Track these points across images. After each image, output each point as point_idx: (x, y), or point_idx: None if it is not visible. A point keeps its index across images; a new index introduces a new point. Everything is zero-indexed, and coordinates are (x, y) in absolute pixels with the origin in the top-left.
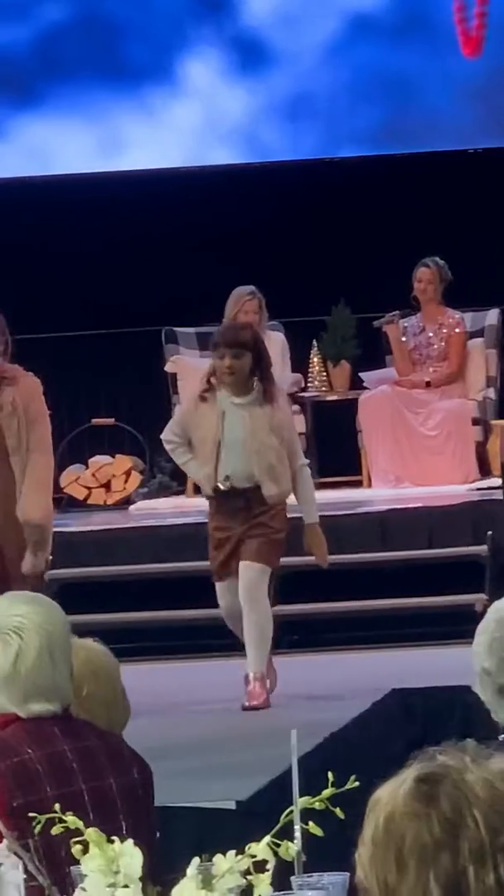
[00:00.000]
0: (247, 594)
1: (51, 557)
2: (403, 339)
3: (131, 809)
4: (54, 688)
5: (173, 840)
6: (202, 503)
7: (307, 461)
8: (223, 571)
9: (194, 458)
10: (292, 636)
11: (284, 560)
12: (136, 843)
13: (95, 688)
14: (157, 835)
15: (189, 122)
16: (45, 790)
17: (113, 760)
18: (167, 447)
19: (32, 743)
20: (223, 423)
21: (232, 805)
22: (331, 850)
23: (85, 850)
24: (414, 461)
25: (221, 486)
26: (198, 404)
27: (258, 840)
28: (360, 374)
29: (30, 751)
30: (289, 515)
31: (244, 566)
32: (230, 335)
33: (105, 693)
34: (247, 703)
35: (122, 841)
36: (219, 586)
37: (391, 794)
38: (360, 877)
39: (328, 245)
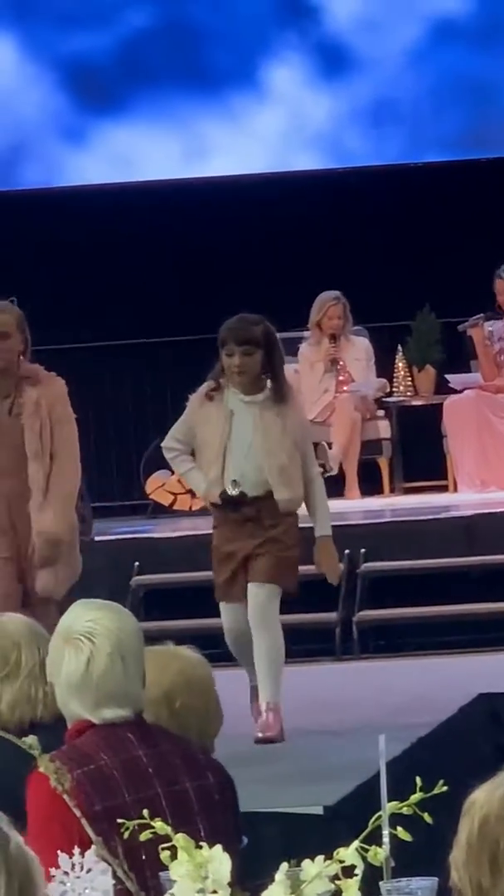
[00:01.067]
0: (257, 618)
1: (73, 581)
2: (488, 342)
3: (208, 813)
4: (126, 694)
5: (260, 845)
6: None
7: (321, 470)
8: (229, 591)
9: (196, 466)
10: (378, 641)
11: (369, 565)
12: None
13: (189, 699)
14: (245, 840)
15: (273, 128)
16: (123, 795)
17: (188, 765)
18: (167, 455)
19: (108, 749)
20: (231, 424)
21: (319, 810)
22: (419, 855)
23: (173, 856)
24: (499, 465)
25: (230, 491)
26: (203, 403)
27: (345, 845)
28: (445, 376)
29: (105, 757)
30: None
31: (254, 587)
32: (240, 330)
33: (199, 704)
34: (260, 735)
35: (207, 846)
36: (223, 607)
37: (487, 797)
38: (454, 879)
39: (413, 250)
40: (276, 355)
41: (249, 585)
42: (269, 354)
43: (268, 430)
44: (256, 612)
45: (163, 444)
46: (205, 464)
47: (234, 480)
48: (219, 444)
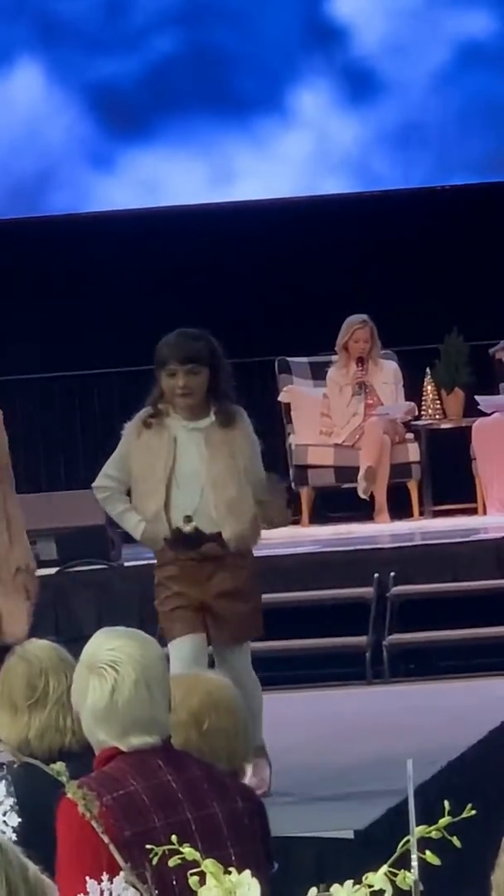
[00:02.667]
0: (241, 682)
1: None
2: None
3: (238, 838)
4: (153, 720)
5: (292, 870)
6: (316, 532)
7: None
8: (178, 625)
9: (131, 506)
10: (409, 664)
11: (399, 588)
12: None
13: (217, 720)
14: (275, 865)
15: (299, 153)
16: (153, 821)
17: (216, 789)
18: (97, 495)
19: (136, 775)
20: (175, 452)
21: (350, 834)
22: (451, 880)
23: (202, 882)
24: None
25: (184, 529)
26: (141, 432)
27: (376, 869)
28: (475, 397)
29: (134, 783)
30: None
31: (227, 653)
32: (183, 346)
33: (227, 725)
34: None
35: (236, 871)
36: (174, 645)
37: None
38: None
39: (440, 273)
40: (222, 373)
41: (219, 648)
42: (215, 372)
43: (214, 459)
44: (240, 677)
45: (93, 485)
46: (141, 498)
47: (188, 516)
48: (161, 475)
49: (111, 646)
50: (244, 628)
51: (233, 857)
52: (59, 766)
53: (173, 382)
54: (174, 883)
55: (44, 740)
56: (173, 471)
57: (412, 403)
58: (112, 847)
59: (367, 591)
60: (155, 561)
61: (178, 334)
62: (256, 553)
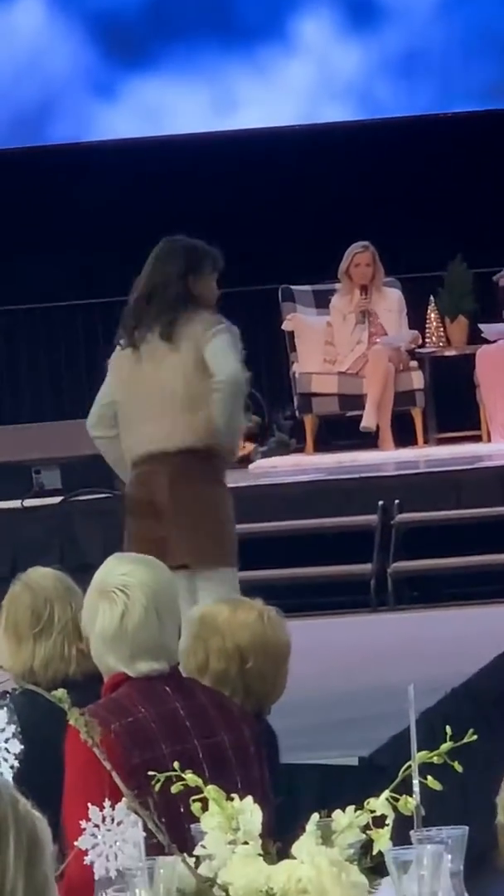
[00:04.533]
0: None
1: None
2: None
3: (244, 765)
4: (161, 646)
5: (297, 797)
6: (321, 460)
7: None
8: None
9: None
10: (413, 592)
11: (403, 516)
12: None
13: (262, 662)
14: (280, 793)
15: (302, 81)
16: (161, 748)
17: (223, 717)
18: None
19: (145, 702)
20: None
21: (355, 761)
22: (451, 805)
23: (204, 808)
24: None
25: None
26: None
27: (379, 795)
28: (479, 326)
29: (143, 710)
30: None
31: None
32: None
33: (269, 669)
34: None
35: (238, 797)
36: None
37: None
38: (501, 819)
39: (444, 200)
40: None
41: None
42: None
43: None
44: None
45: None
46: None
47: None
48: None
49: (122, 571)
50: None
51: (238, 785)
52: (60, 693)
53: (214, 287)
54: (181, 810)
55: (48, 669)
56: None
57: (416, 332)
58: (115, 774)
59: (372, 518)
60: None
61: (203, 244)
62: (262, 482)
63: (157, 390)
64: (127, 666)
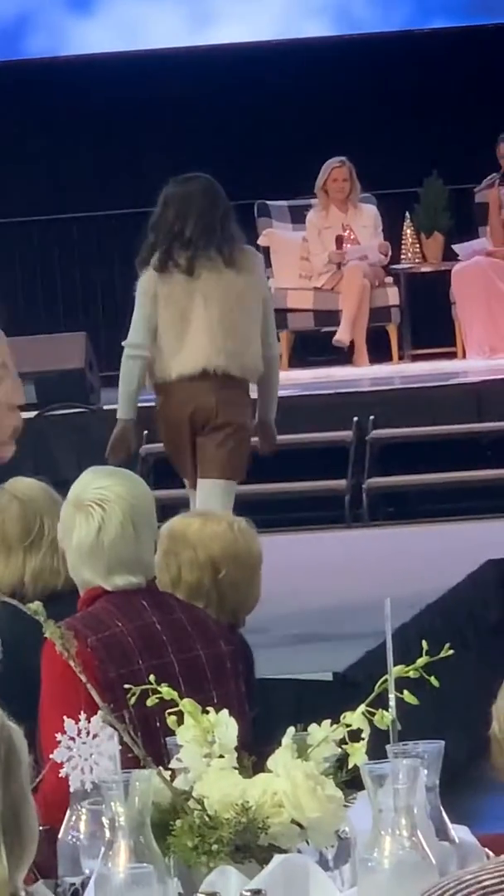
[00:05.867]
0: None
1: None
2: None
3: (220, 680)
4: (138, 560)
5: (271, 711)
6: (296, 376)
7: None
8: None
9: None
10: (388, 508)
11: (378, 432)
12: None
13: (234, 572)
14: (255, 709)
15: None
16: (138, 662)
17: (200, 632)
18: None
19: (122, 616)
20: None
21: (329, 676)
22: (423, 719)
23: (180, 721)
24: None
25: None
26: None
27: (355, 709)
28: (452, 247)
29: (119, 624)
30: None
31: None
32: None
33: (243, 579)
34: None
35: (214, 711)
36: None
37: None
38: (495, 729)
39: (420, 116)
40: None
41: None
42: None
43: None
44: None
45: None
46: None
47: None
48: None
49: (99, 484)
50: None
51: (215, 700)
52: (35, 606)
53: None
54: (157, 724)
55: (38, 582)
56: None
57: (386, 242)
58: (90, 686)
59: (347, 434)
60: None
61: None
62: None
63: (223, 311)
64: (104, 580)
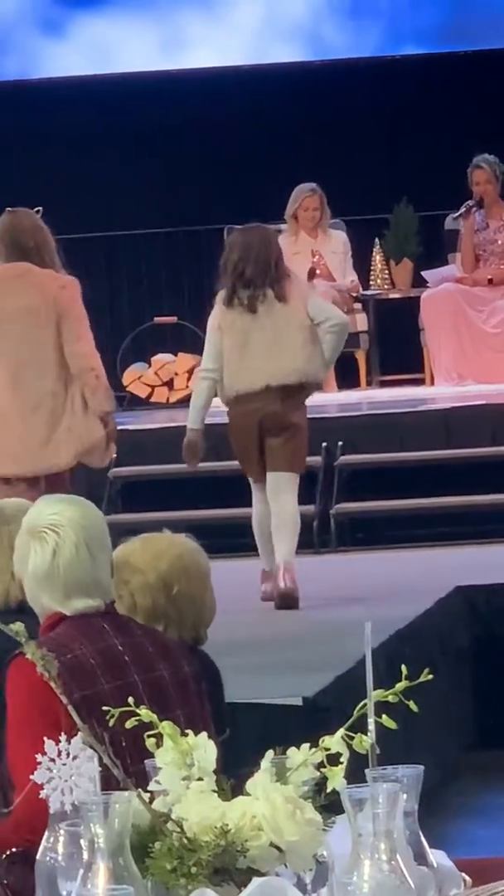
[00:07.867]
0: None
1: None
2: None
3: (185, 700)
4: (95, 583)
5: (239, 736)
6: None
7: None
8: None
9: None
10: (355, 534)
11: (346, 458)
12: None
13: (186, 586)
14: (227, 731)
15: (251, 21)
16: (102, 683)
17: (162, 653)
18: None
19: (83, 638)
20: None
21: (298, 701)
22: (401, 744)
23: (158, 743)
24: (476, 358)
25: None
26: None
27: (325, 735)
28: (421, 273)
29: (81, 647)
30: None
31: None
32: None
33: (196, 591)
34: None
35: (191, 733)
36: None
37: None
38: None
39: (391, 142)
40: None
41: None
42: None
43: None
44: None
45: None
46: None
47: None
48: None
49: (52, 511)
50: None
51: (182, 720)
52: (17, 626)
53: None
54: (124, 745)
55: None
56: None
57: (356, 281)
58: (71, 708)
59: (315, 460)
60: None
61: None
62: (207, 421)
63: (276, 337)
64: (61, 604)
